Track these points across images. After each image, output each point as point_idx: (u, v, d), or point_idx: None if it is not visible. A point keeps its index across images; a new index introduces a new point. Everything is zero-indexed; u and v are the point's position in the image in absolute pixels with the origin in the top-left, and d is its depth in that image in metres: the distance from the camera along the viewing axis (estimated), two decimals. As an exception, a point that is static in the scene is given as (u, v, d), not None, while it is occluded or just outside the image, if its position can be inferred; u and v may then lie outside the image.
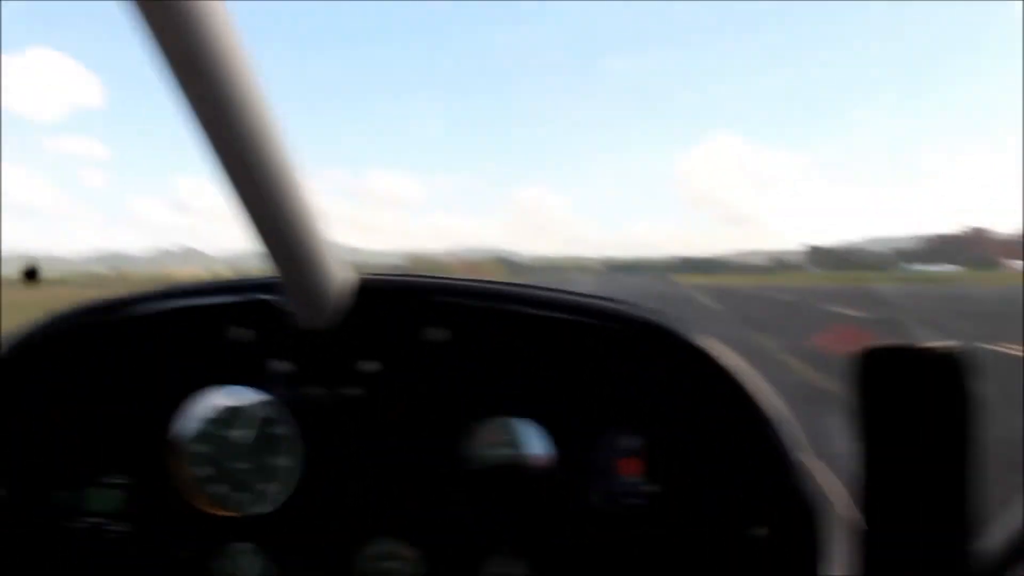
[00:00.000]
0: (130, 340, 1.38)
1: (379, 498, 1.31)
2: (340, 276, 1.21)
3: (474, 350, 1.32)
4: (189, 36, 0.75)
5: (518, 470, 1.29)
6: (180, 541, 1.32)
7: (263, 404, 1.33)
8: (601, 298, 1.35)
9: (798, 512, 1.19)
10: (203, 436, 1.33)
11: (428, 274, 1.36)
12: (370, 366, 1.30)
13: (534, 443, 1.30)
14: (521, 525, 1.29)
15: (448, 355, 1.31)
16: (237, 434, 1.33)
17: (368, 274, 1.30)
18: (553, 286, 1.39)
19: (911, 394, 0.72)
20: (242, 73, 0.82)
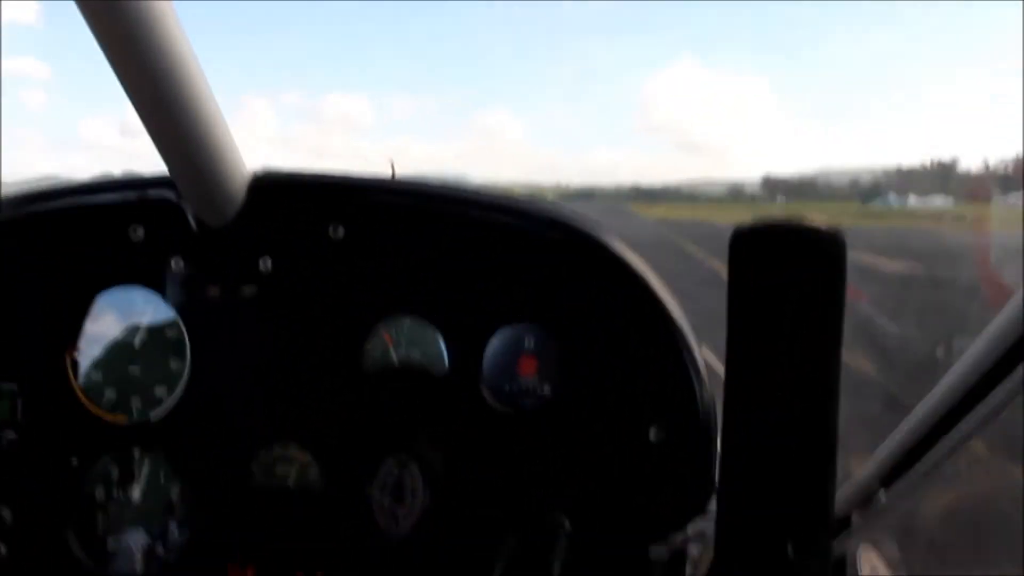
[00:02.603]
0: (21, 241, 1.31)
1: (272, 401, 1.29)
2: (237, 173, 1.16)
3: (372, 248, 1.29)
4: None
5: (414, 371, 1.28)
6: (70, 448, 1.28)
7: (156, 305, 1.29)
8: (500, 194, 1.32)
9: (694, 416, 1.20)
10: (94, 339, 1.29)
11: (327, 172, 1.31)
12: (265, 264, 1.26)
13: (430, 344, 1.28)
14: (416, 427, 1.28)
15: (345, 253, 1.28)
16: (130, 337, 1.29)
17: (264, 171, 1.25)
18: (454, 184, 1.35)
19: (778, 273, 0.67)
20: None
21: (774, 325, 0.67)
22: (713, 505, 1.21)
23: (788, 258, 0.67)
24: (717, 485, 0.75)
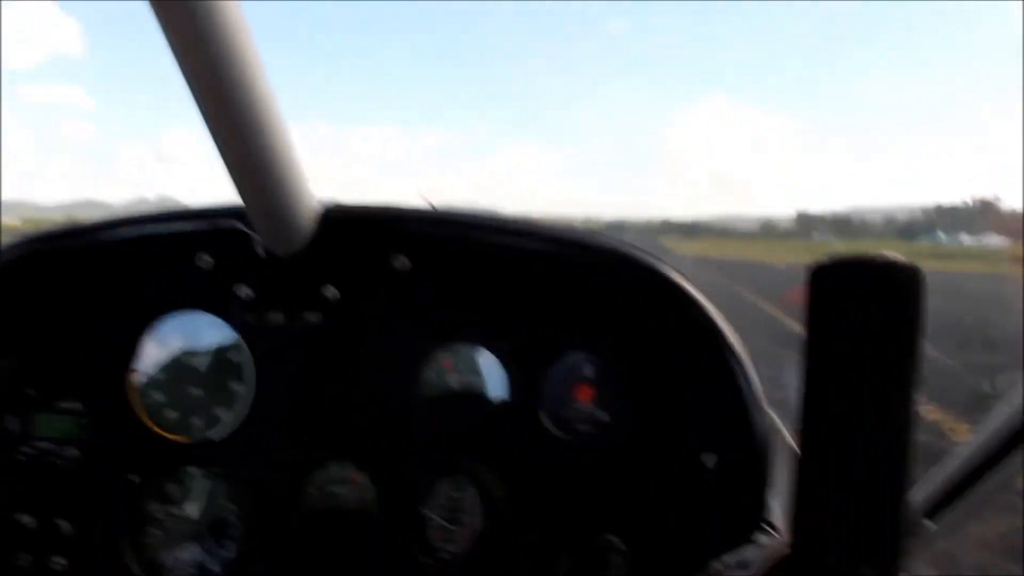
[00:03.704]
0: (91, 266, 1.36)
1: (330, 422, 1.32)
2: (305, 204, 1.19)
3: (435, 278, 1.32)
4: None
5: (473, 397, 1.31)
6: (131, 465, 1.32)
7: (221, 330, 1.33)
8: (562, 227, 1.34)
9: (749, 445, 1.20)
10: (159, 361, 1.34)
11: (392, 204, 1.35)
12: (331, 293, 1.30)
13: (489, 370, 1.31)
14: (474, 452, 1.30)
15: (409, 283, 1.31)
16: (193, 360, 1.34)
17: (333, 203, 1.29)
18: (516, 218, 1.37)
19: (857, 307, 0.69)
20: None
21: (852, 360, 0.68)
22: (760, 536, 1.20)
23: (869, 293, 0.68)
24: (792, 515, 0.74)
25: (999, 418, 1.01)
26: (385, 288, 1.32)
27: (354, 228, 1.30)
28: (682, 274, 1.26)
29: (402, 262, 1.30)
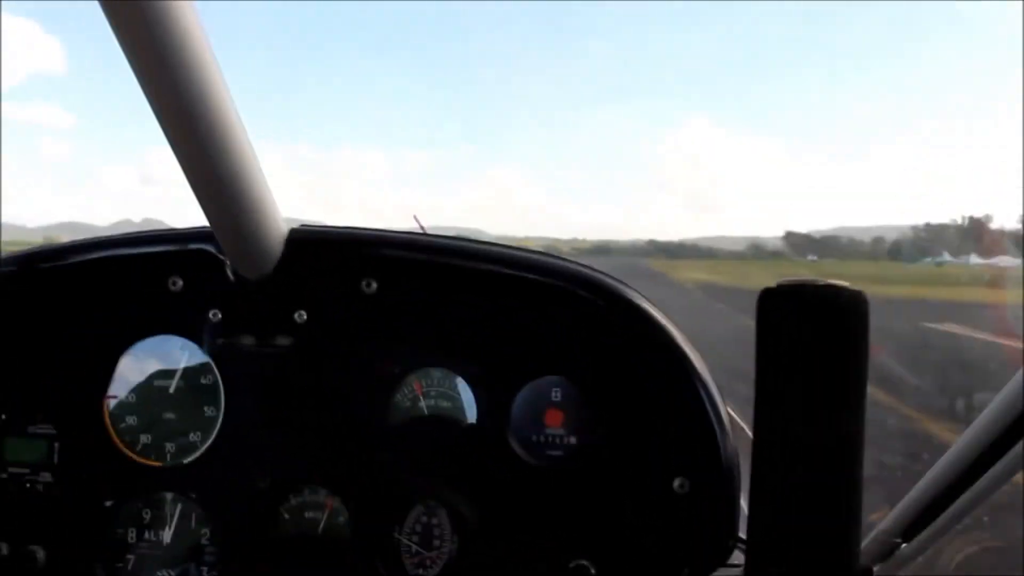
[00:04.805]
0: (62, 290, 1.37)
1: (303, 448, 1.32)
2: (273, 227, 1.21)
3: (403, 302, 1.33)
4: None
5: (443, 421, 1.31)
6: (104, 490, 1.32)
7: (193, 353, 1.34)
8: (531, 251, 1.36)
9: (718, 468, 1.21)
10: (132, 385, 1.34)
11: (360, 228, 1.37)
12: (300, 316, 1.31)
13: (459, 395, 1.32)
14: (445, 476, 1.31)
15: (378, 306, 1.32)
16: (166, 384, 1.34)
17: (301, 227, 1.30)
18: (486, 241, 1.39)
19: (803, 330, 0.71)
20: (181, 20, 0.82)
21: (800, 382, 0.71)
22: (735, 556, 1.22)
23: (814, 317, 0.70)
24: (746, 538, 0.76)
25: (968, 441, 1.03)
26: (354, 312, 1.33)
27: (323, 252, 1.32)
28: (647, 298, 1.28)
29: (371, 286, 1.31)
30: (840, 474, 0.71)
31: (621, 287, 1.28)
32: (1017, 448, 0.97)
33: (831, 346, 0.70)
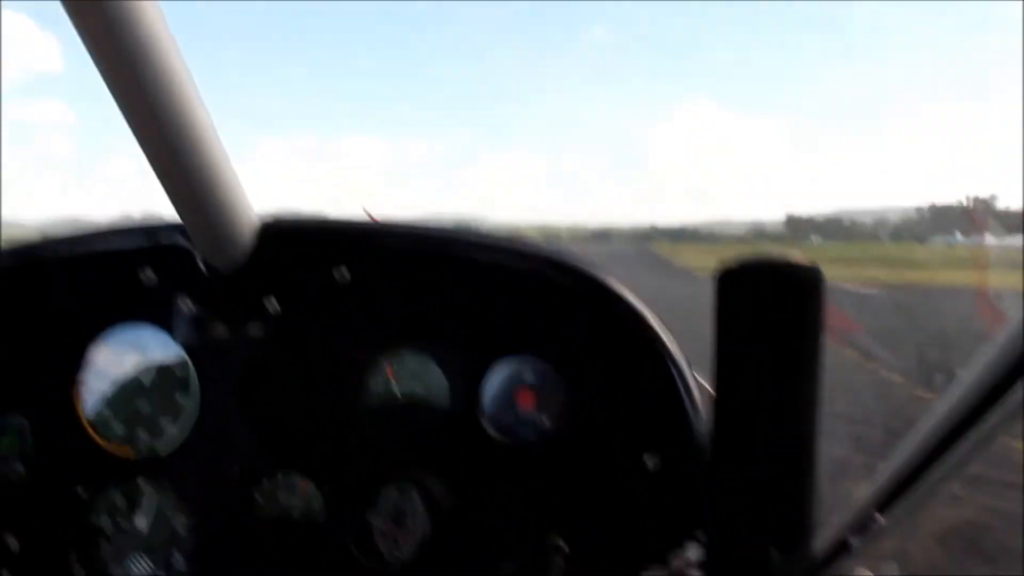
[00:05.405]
0: (36, 282, 1.37)
1: (276, 433, 1.33)
2: (243, 219, 1.20)
3: (374, 289, 1.34)
4: None
5: (415, 403, 1.32)
6: (78, 479, 1.32)
7: (166, 344, 1.34)
8: (500, 237, 1.37)
9: (689, 444, 1.22)
10: (103, 376, 1.34)
11: (331, 217, 1.38)
12: (272, 306, 1.31)
13: (431, 377, 1.32)
14: (417, 457, 1.31)
15: (349, 294, 1.33)
16: (139, 374, 1.34)
17: (272, 217, 1.30)
18: (453, 228, 1.40)
19: (761, 307, 0.71)
20: (144, 17, 0.81)
21: (757, 356, 0.72)
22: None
23: (772, 293, 0.71)
24: (706, 508, 0.77)
25: (942, 409, 1.02)
26: (326, 299, 1.34)
27: (293, 241, 1.32)
28: (618, 279, 1.28)
29: (342, 273, 1.31)
30: (797, 444, 0.72)
31: (590, 268, 1.28)
32: (1000, 406, 0.96)
33: (789, 320, 0.71)
